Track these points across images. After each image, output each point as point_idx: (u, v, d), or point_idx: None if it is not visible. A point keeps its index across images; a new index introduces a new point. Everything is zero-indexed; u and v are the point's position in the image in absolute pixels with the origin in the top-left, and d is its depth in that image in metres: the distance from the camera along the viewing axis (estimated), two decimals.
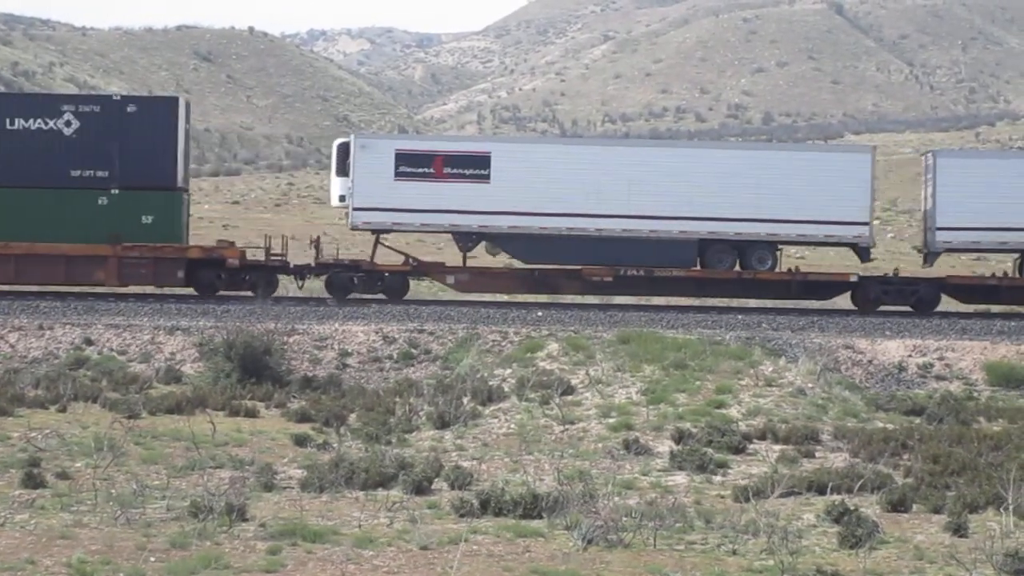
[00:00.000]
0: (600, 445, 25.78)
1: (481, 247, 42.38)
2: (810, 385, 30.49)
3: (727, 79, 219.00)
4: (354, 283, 41.10)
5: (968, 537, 19.03)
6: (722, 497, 21.87)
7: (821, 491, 21.89)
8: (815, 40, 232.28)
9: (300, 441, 25.98)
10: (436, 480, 22.35)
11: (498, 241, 41.53)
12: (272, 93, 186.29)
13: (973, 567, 17.01)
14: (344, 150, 41.67)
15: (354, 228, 42.08)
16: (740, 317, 38.69)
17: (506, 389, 30.09)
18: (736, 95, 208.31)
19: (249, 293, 40.51)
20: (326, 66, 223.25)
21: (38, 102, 42.53)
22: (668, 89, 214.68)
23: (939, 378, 34.06)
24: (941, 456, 24.00)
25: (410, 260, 42.43)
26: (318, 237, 44.23)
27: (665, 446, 25.41)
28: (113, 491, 20.71)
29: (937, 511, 20.72)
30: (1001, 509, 19.98)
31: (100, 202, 40.22)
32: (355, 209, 40.99)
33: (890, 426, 28.09)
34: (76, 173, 40.26)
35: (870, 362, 34.52)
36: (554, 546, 18.41)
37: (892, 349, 35.04)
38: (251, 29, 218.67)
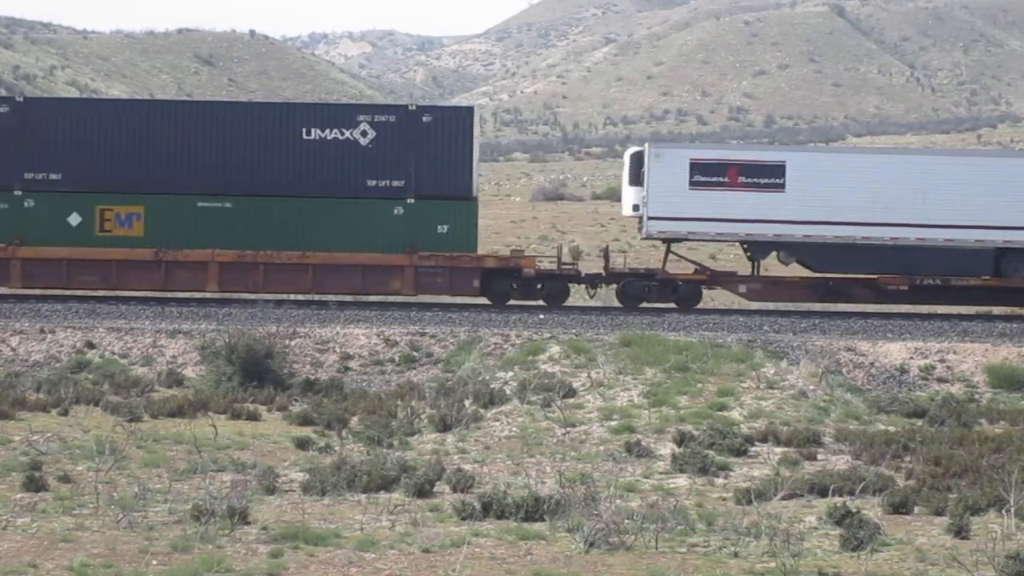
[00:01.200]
0: (602, 448, 25.78)
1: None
2: (812, 387, 30.48)
3: (728, 82, 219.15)
4: (648, 292, 40.99)
5: (970, 539, 19.03)
6: (724, 499, 21.87)
7: (823, 493, 21.89)
8: (816, 42, 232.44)
9: (302, 444, 25.99)
10: (438, 483, 22.35)
11: (792, 250, 41.26)
12: (273, 96, 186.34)
13: (975, 569, 17.01)
14: (638, 159, 41.42)
15: (648, 237, 41.75)
16: (742, 319, 38.69)
17: (508, 392, 30.08)
18: (738, 98, 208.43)
19: (541, 302, 40.53)
20: (327, 69, 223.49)
21: (334, 112, 42.19)
22: (669, 92, 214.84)
23: (941, 380, 34.05)
24: (943, 458, 23.99)
25: (702, 269, 42.25)
26: (607, 246, 44.21)
27: (667, 448, 25.41)
28: (115, 494, 20.71)
29: (939, 513, 20.72)
30: (1003, 511, 19.97)
31: (396, 212, 40.15)
32: (650, 218, 40.70)
33: (892, 428, 28.09)
34: (372, 183, 40.25)
35: (872, 364, 34.52)
36: (556, 549, 18.41)
37: (894, 351, 35.03)
38: (252, 32, 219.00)
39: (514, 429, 27.38)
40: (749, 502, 20.77)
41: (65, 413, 28.34)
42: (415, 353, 34.88)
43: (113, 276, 39.95)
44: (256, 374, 32.33)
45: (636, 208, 41.41)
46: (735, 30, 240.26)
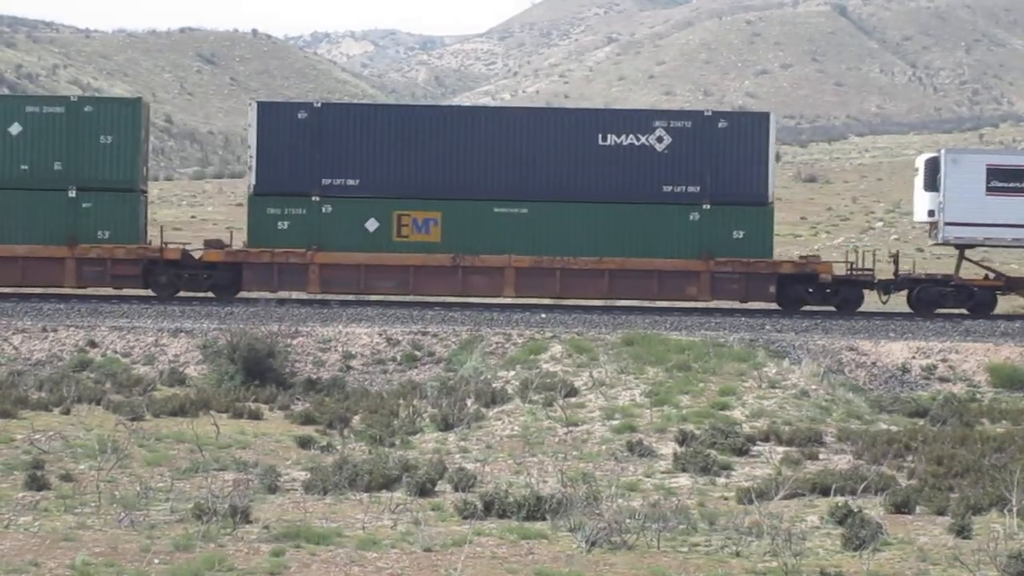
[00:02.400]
0: (604, 447, 25.78)
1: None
2: (814, 387, 30.48)
3: (731, 81, 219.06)
4: (943, 298, 40.78)
5: (972, 539, 19.02)
6: (726, 499, 21.87)
7: (825, 493, 21.89)
8: (819, 42, 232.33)
9: (304, 443, 26.00)
10: (440, 482, 22.36)
11: None
12: (276, 95, 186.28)
13: (977, 569, 17.01)
14: (933, 165, 41.40)
15: (944, 243, 41.87)
16: (743, 319, 38.70)
17: (510, 391, 30.09)
18: (740, 97, 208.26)
19: (832, 308, 40.51)
20: (329, 68, 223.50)
21: (631, 118, 42.25)
22: (672, 91, 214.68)
23: (943, 380, 34.07)
24: (945, 458, 23.99)
25: (997, 275, 42.09)
26: (897, 252, 44.09)
27: (669, 448, 25.41)
28: (117, 493, 20.72)
29: (941, 513, 20.71)
30: (1005, 511, 19.97)
31: (692, 217, 40.22)
32: (946, 224, 40.74)
33: (894, 428, 28.09)
34: (668, 188, 40.34)
35: (874, 364, 34.53)
36: (558, 548, 18.41)
37: (896, 351, 35.04)
38: (254, 31, 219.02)
39: (516, 428, 27.39)
40: (751, 501, 20.77)
41: (67, 412, 28.35)
42: (417, 352, 34.89)
43: (410, 282, 40.21)
44: (258, 373, 32.35)
45: (931, 214, 41.45)
46: (737, 29, 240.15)
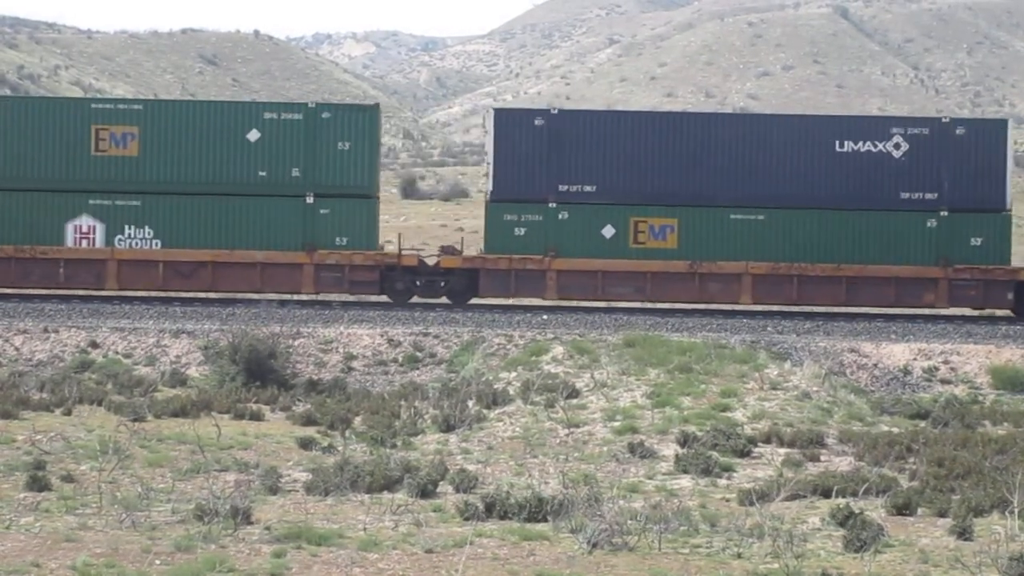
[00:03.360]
0: (605, 448, 25.78)
1: None
2: (815, 389, 30.48)
3: (732, 83, 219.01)
4: None
5: (973, 541, 19.01)
6: (727, 500, 21.86)
7: (826, 494, 21.88)
8: (820, 44, 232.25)
9: (305, 444, 26.00)
10: (441, 483, 22.35)
11: None
12: (277, 96, 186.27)
13: (978, 571, 16.99)
14: None
15: None
16: (745, 321, 38.72)
17: (511, 392, 30.09)
18: (741, 99, 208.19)
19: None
20: (331, 69, 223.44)
21: (868, 125, 42.48)
22: (673, 93, 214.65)
23: (944, 382, 34.06)
24: (946, 460, 23.98)
25: None
26: None
27: (670, 449, 25.41)
28: (118, 494, 20.71)
29: (942, 514, 20.70)
30: (1006, 513, 19.96)
31: (929, 224, 40.26)
32: None
33: (895, 430, 28.09)
34: (906, 195, 40.44)
35: (875, 366, 34.53)
36: (559, 549, 18.41)
37: (897, 353, 35.04)
38: (256, 32, 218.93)
39: (517, 429, 27.39)
40: (752, 503, 20.77)
41: (69, 413, 28.36)
42: (418, 353, 34.90)
43: (647, 288, 40.33)
44: (259, 374, 32.36)
45: None
46: (739, 31, 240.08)
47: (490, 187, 40.76)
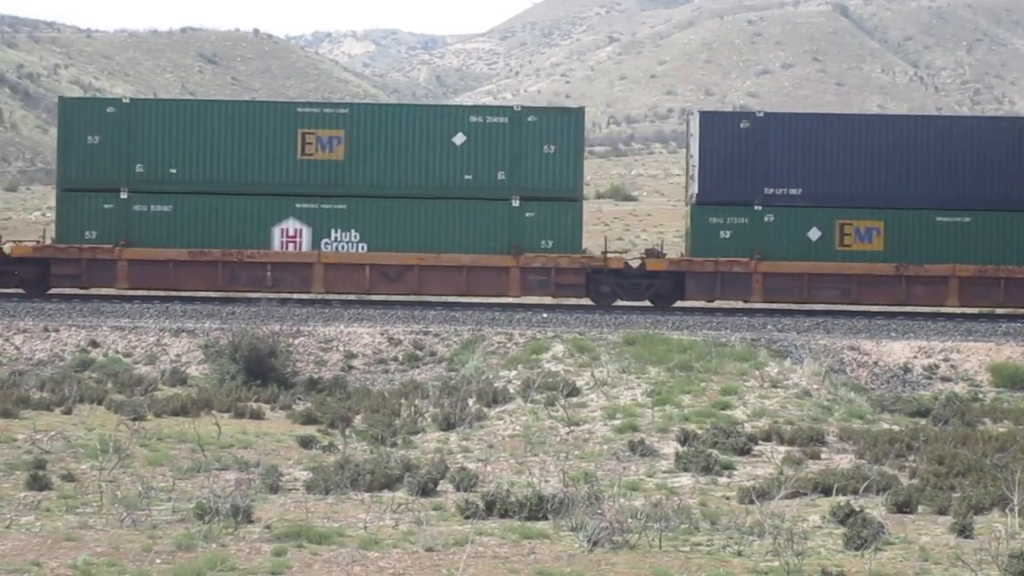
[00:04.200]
0: (605, 447, 25.78)
1: None
2: (815, 386, 30.49)
3: (732, 81, 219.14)
4: None
5: (973, 538, 19.02)
6: (727, 498, 21.87)
7: (826, 492, 21.88)
8: (820, 42, 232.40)
9: (305, 443, 26.00)
10: (441, 482, 22.35)
11: None
12: (277, 95, 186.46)
13: (978, 568, 17.00)
14: None
15: None
16: (745, 319, 38.72)
17: (511, 391, 30.09)
18: (741, 97, 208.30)
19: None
20: (331, 68, 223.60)
21: None
22: (673, 91, 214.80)
23: (944, 379, 34.06)
24: (946, 457, 23.98)
25: None
26: None
27: (670, 447, 25.41)
28: (119, 493, 20.72)
29: (942, 512, 20.71)
30: (1006, 510, 19.97)
31: None
32: None
33: (895, 427, 28.09)
34: None
35: (875, 363, 34.53)
36: (559, 548, 18.41)
37: (897, 350, 35.04)
38: (256, 31, 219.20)
39: (517, 428, 27.39)
40: (752, 501, 20.77)
41: (69, 412, 28.36)
42: (419, 352, 34.90)
43: (852, 291, 40.32)
44: (260, 373, 32.35)
45: None
46: (738, 29, 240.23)
47: (696, 190, 40.74)
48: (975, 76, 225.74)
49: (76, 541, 18.08)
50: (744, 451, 25.19)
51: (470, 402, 29.05)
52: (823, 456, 25.18)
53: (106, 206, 40.12)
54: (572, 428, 27.19)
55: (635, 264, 41.17)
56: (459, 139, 40.35)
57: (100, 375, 32.77)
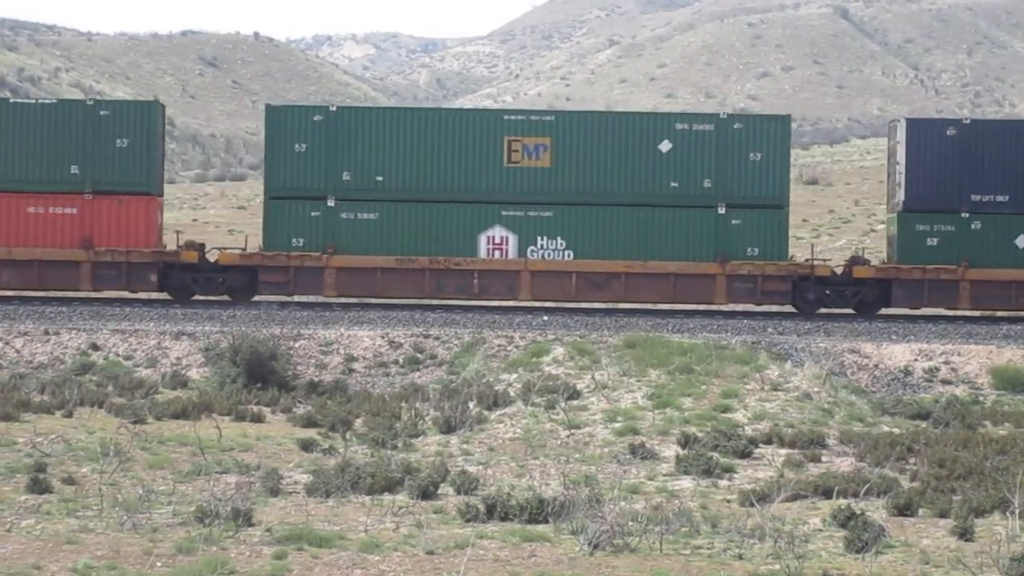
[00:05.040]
0: (606, 450, 25.78)
1: None
2: (816, 389, 30.48)
3: (732, 83, 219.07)
4: None
5: (974, 541, 19.01)
6: (728, 501, 21.87)
7: (827, 495, 21.88)
8: (820, 44, 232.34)
9: (306, 446, 26.00)
10: (442, 485, 22.35)
11: None
12: (277, 98, 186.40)
13: (979, 571, 17.00)
14: None
15: None
16: (746, 322, 38.71)
17: (512, 394, 30.09)
18: (741, 99, 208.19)
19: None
20: (331, 71, 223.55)
21: None
22: (673, 94, 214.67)
23: (945, 382, 34.05)
24: (947, 460, 23.98)
25: None
26: None
27: (671, 450, 25.40)
28: (119, 496, 20.71)
29: (943, 515, 20.70)
30: (1007, 513, 19.97)
31: None
32: None
33: (896, 430, 28.08)
34: None
35: (876, 366, 34.52)
36: (560, 551, 18.41)
37: (898, 353, 35.03)
38: (256, 34, 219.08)
39: (518, 431, 27.39)
40: (753, 504, 20.77)
41: (69, 415, 28.36)
42: (419, 355, 34.89)
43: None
44: (260, 376, 32.36)
45: None
46: (739, 32, 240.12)
47: (902, 197, 40.73)
48: (976, 79, 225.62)
49: (77, 544, 18.07)
50: (745, 454, 25.19)
51: (471, 405, 29.05)
52: (824, 459, 25.17)
53: (313, 214, 40.34)
54: (573, 431, 27.19)
55: (840, 271, 41.08)
56: (665, 146, 40.44)
57: (101, 378, 32.77)
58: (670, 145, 40.41)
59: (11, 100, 42.20)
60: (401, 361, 34.72)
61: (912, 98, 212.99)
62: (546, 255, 40.35)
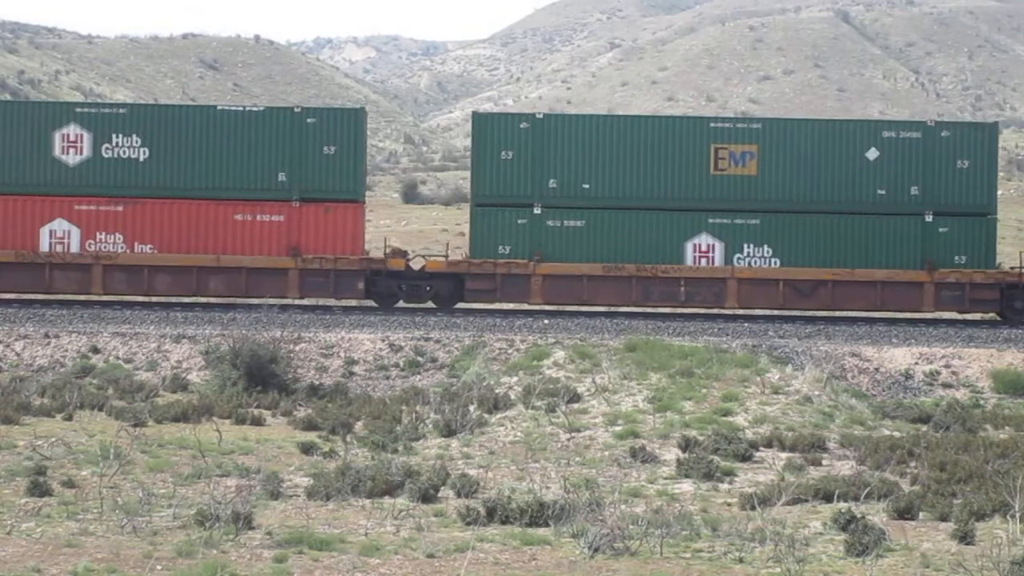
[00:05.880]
0: (606, 453, 25.77)
1: None
2: (816, 393, 30.47)
3: (733, 87, 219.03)
4: None
5: (975, 545, 19.00)
6: (728, 505, 21.86)
7: (828, 499, 21.87)
8: (821, 48, 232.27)
9: (306, 449, 25.99)
10: (442, 488, 22.34)
11: None
12: (278, 101, 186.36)
13: (980, 575, 16.99)
14: None
15: None
16: (746, 325, 38.70)
17: (512, 397, 30.08)
18: (742, 103, 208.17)
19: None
20: (332, 74, 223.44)
21: None
22: (674, 97, 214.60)
23: (946, 386, 34.04)
24: (948, 464, 23.97)
25: None
26: None
27: (671, 454, 25.40)
28: (119, 499, 20.71)
29: (944, 519, 20.69)
30: (1008, 517, 19.96)
31: None
32: None
33: (897, 434, 28.08)
34: None
35: (876, 370, 34.51)
36: (560, 554, 18.41)
37: (899, 357, 35.02)
38: (257, 37, 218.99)
39: (519, 434, 27.38)
40: (754, 507, 20.76)
41: (70, 418, 28.36)
42: (420, 358, 34.88)
43: None
44: (261, 379, 32.34)
45: None
46: (740, 35, 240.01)
47: None
48: (976, 82, 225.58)
49: (77, 547, 18.07)
50: (745, 457, 25.19)
51: (471, 408, 29.05)
52: (824, 462, 25.16)
53: (519, 221, 40.52)
54: (573, 434, 27.18)
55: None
56: (872, 154, 40.54)
57: (101, 381, 32.76)
58: (877, 153, 40.56)
59: (218, 107, 42.37)
60: (402, 364, 34.71)
61: (913, 101, 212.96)
62: (752, 263, 40.46)
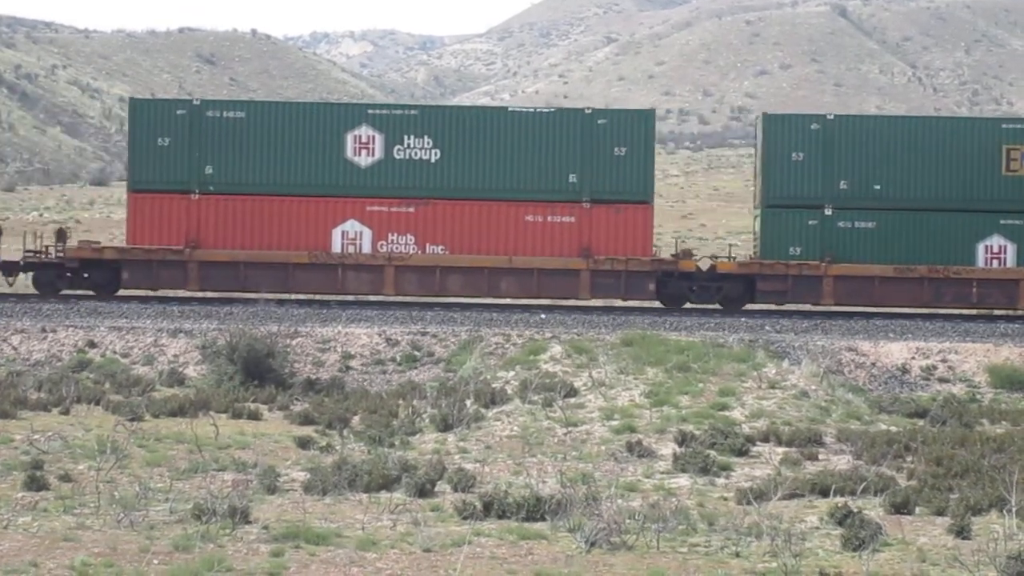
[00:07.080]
0: (603, 448, 25.77)
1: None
2: (813, 387, 30.47)
3: (730, 81, 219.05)
4: None
5: (971, 539, 19.02)
6: (725, 499, 21.86)
7: (824, 493, 21.88)
8: (818, 42, 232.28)
9: (303, 444, 25.99)
10: (439, 483, 22.34)
11: None
12: (275, 95, 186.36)
13: (976, 569, 17.00)
14: None
15: None
16: (743, 320, 38.71)
17: (509, 391, 30.07)
18: (739, 97, 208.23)
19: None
20: (329, 68, 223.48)
21: None
22: (671, 91, 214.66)
23: (942, 380, 34.06)
24: (944, 458, 23.98)
25: None
26: None
27: (668, 448, 25.40)
28: (116, 494, 20.70)
29: (940, 513, 20.70)
30: (1004, 511, 19.96)
31: None
32: None
33: (893, 428, 28.08)
34: None
35: (873, 364, 34.52)
36: (557, 549, 18.41)
37: (895, 351, 35.03)
38: (254, 31, 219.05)
39: (515, 429, 27.37)
40: (750, 502, 20.77)
41: (66, 412, 28.35)
42: (416, 352, 34.88)
43: None
44: (257, 373, 32.35)
45: None
46: (737, 30, 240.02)
47: None
48: (973, 77, 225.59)
49: (73, 542, 18.07)
50: (742, 452, 25.19)
51: (468, 403, 29.04)
52: (821, 457, 25.17)
53: (810, 222, 40.65)
54: (570, 429, 27.18)
55: None
56: None
57: (98, 375, 32.76)
58: None
59: (509, 109, 42.65)
60: (398, 359, 34.72)
61: (910, 96, 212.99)
62: None
